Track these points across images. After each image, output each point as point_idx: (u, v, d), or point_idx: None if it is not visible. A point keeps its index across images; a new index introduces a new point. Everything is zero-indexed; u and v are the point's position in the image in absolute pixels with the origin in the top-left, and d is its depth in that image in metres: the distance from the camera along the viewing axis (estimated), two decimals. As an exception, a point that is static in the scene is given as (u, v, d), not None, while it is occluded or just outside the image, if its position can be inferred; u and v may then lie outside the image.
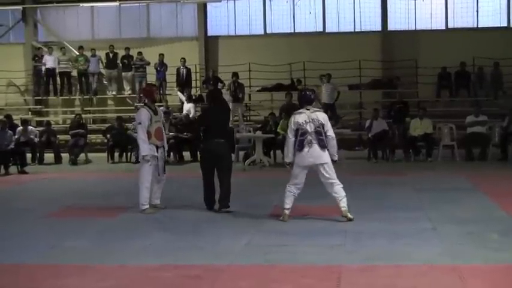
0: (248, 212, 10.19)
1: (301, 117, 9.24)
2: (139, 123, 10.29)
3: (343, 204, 9.23)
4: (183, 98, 22.24)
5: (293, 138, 9.21)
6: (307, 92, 9.67)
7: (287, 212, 9.39)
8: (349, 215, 9.23)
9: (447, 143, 18.07)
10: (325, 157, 9.16)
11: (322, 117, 9.31)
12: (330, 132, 9.27)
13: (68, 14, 26.34)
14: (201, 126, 10.57)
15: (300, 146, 9.15)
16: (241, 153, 18.27)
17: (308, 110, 9.32)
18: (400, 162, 17.62)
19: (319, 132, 9.15)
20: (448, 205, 10.46)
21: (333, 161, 9.31)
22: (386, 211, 10.00)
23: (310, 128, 9.15)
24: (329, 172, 9.20)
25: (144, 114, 10.28)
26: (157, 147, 10.38)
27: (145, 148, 10.24)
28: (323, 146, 9.16)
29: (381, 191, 12.21)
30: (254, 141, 17.82)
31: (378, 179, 14.01)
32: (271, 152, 17.95)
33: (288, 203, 9.38)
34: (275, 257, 7.38)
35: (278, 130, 17.51)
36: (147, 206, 10.33)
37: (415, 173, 15.05)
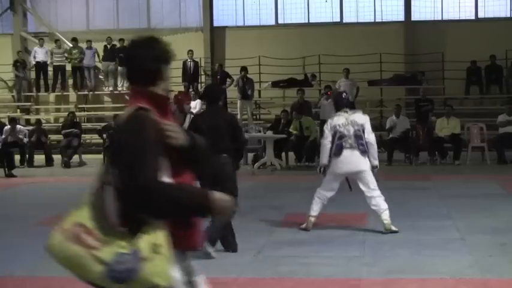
0: (258, 220, 10.19)
1: (340, 119, 9.14)
2: None
3: (385, 217, 9.00)
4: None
5: (329, 145, 9.10)
6: (344, 95, 9.71)
7: (313, 219, 9.29)
8: (393, 228, 9.00)
9: (477, 144, 18.03)
10: (363, 164, 9.03)
11: (363, 118, 9.21)
12: (370, 137, 9.10)
13: (60, 1, 26.48)
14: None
15: (337, 150, 9.02)
16: (250, 155, 18.28)
17: (346, 112, 9.22)
18: (424, 165, 17.59)
19: (360, 136, 9.02)
20: (478, 213, 10.43)
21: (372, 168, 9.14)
22: (409, 219, 9.96)
23: (348, 131, 9.01)
24: (369, 181, 9.03)
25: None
26: None
27: None
28: (363, 151, 9.01)
29: (403, 197, 12.14)
30: (264, 142, 17.82)
31: (400, 184, 13.95)
32: (283, 154, 17.96)
33: (315, 210, 9.26)
34: (287, 270, 7.39)
35: (290, 130, 17.51)
36: None
37: (441, 177, 15.05)
